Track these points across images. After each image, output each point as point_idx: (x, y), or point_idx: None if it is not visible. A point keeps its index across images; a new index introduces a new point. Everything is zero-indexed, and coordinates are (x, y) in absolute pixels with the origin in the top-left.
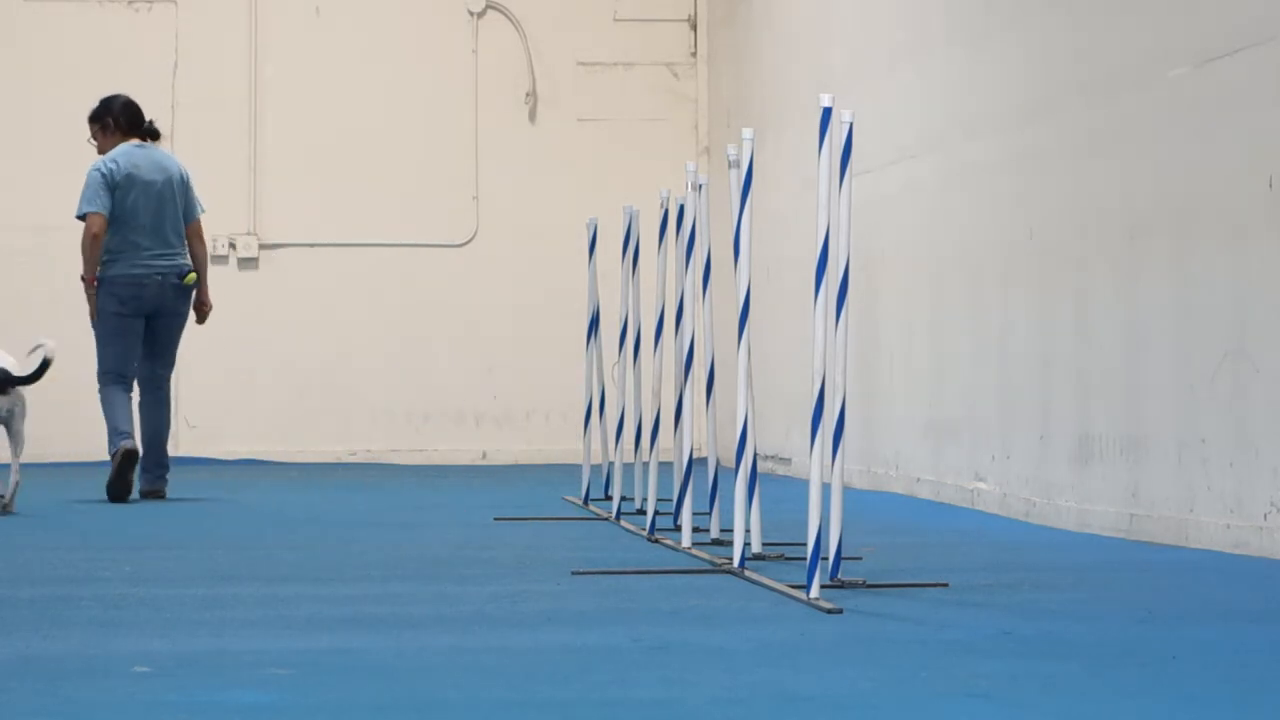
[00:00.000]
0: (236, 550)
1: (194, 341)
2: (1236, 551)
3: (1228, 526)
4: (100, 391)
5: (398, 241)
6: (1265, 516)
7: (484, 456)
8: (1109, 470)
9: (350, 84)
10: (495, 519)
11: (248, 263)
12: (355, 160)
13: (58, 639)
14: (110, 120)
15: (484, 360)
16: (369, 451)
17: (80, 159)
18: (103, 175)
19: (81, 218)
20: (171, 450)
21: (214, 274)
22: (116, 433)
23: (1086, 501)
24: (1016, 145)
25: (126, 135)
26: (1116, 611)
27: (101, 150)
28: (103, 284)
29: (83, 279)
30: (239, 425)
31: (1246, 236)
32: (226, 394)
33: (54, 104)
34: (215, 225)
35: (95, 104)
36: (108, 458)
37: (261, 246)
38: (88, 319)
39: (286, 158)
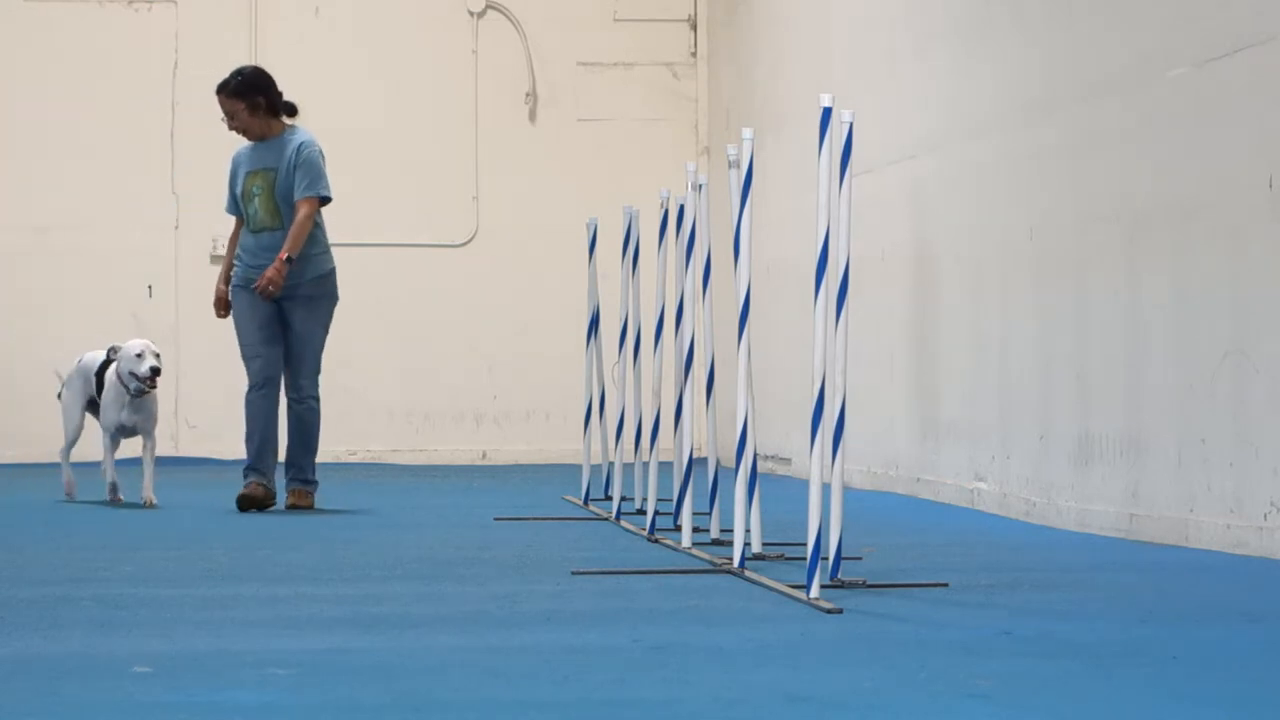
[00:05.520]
0: (236, 550)
1: (194, 341)
2: (1236, 551)
3: (1228, 526)
4: (319, 405)
5: (398, 241)
6: (1265, 516)
7: (484, 456)
8: (1109, 470)
9: (350, 84)
10: (495, 519)
11: None
12: (355, 160)
13: (58, 639)
14: (263, 101)
15: (484, 360)
16: (369, 451)
17: (81, 159)
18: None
19: (319, 199)
20: (171, 450)
21: (214, 274)
22: None
23: (1086, 501)
24: (1016, 145)
25: (272, 117)
26: (1116, 611)
27: (249, 132)
28: (333, 276)
29: (290, 259)
30: (239, 425)
31: (1246, 236)
32: (226, 394)
33: (54, 104)
34: (217, 225)
35: (237, 77)
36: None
37: None
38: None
39: None
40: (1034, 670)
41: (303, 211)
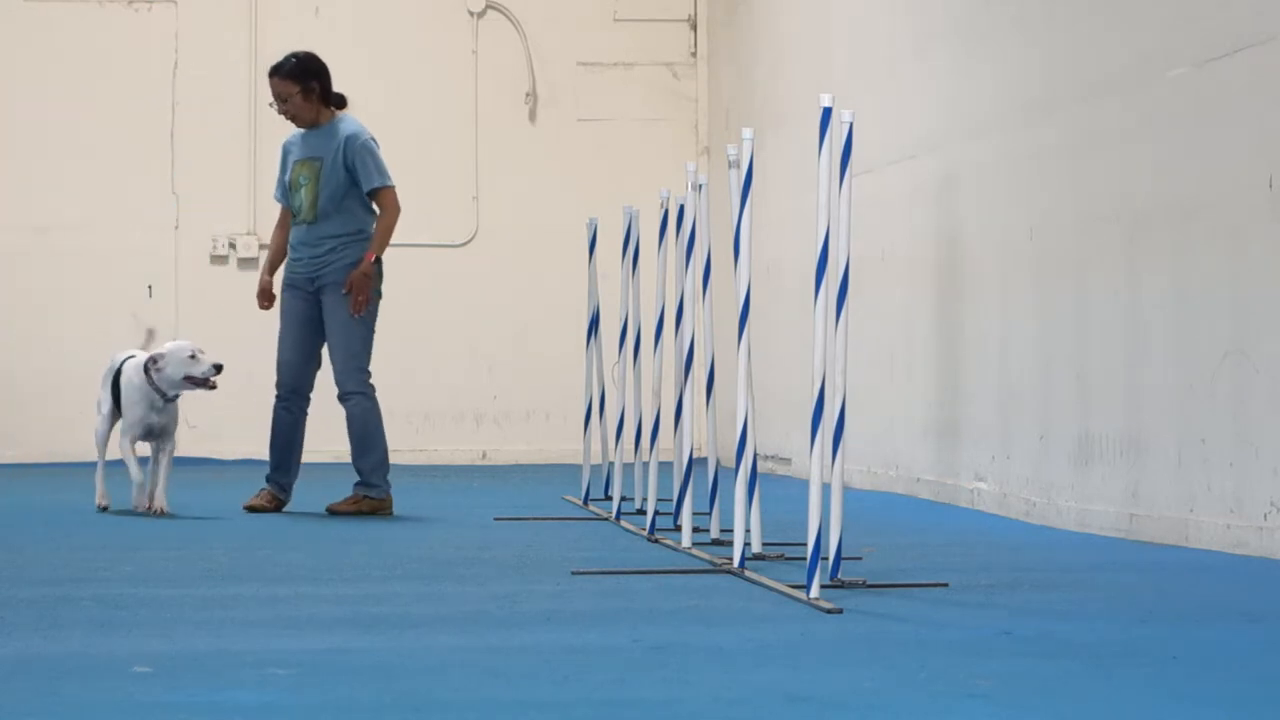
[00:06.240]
0: (236, 550)
1: (194, 342)
2: (1236, 551)
3: (1228, 526)
4: (373, 402)
5: (398, 241)
6: (1265, 516)
7: (484, 456)
8: (1109, 470)
9: (350, 84)
10: (495, 519)
11: (248, 263)
12: None
13: (58, 639)
14: (317, 86)
15: (484, 360)
16: None
17: (81, 159)
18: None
19: (388, 188)
20: None
21: (214, 274)
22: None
23: (1086, 501)
24: (1016, 145)
25: (323, 104)
26: (1116, 611)
27: (300, 118)
28: (378, 267)
29: (378, 259)
30: (239, 425)
31: (1246, 236)
32: (227, 394)
33: (54, 104)
34: (217, 225)
35: (292, 60)
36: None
37: (261, 246)
38: (352, 310)
39: None
40: (1034, 670)
41: (389, 206)
